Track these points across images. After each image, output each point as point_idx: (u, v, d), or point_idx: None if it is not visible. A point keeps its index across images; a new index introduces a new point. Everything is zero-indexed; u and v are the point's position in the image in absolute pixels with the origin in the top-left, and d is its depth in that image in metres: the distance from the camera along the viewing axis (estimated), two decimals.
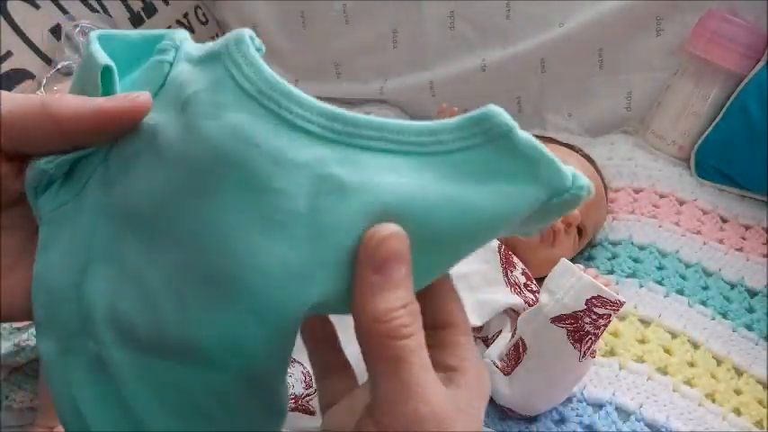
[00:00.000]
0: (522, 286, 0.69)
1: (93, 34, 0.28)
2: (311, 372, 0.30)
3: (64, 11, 0.93)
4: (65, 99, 0.26)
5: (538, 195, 0.24)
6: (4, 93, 0.26)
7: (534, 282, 0.71)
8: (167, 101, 0.26)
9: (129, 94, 0.26)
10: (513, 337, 0.63)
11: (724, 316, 0.75)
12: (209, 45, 0.27)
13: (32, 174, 0.27)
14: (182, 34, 0.28)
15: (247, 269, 0.23)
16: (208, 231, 0.24)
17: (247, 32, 0.26)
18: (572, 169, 0.24)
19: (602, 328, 0.59)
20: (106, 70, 0.27)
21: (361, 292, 0.23)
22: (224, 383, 0.25)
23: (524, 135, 0.24)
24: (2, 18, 0.86)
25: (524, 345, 0.61)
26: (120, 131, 0.26)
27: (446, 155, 0.24)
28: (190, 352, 0.25)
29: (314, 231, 0.23)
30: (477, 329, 0.66)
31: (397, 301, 0.23)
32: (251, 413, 0.27)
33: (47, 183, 0.27)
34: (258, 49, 0.26)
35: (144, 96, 0.26)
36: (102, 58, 0.27)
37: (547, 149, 0.24)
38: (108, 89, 0.27)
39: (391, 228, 0.23)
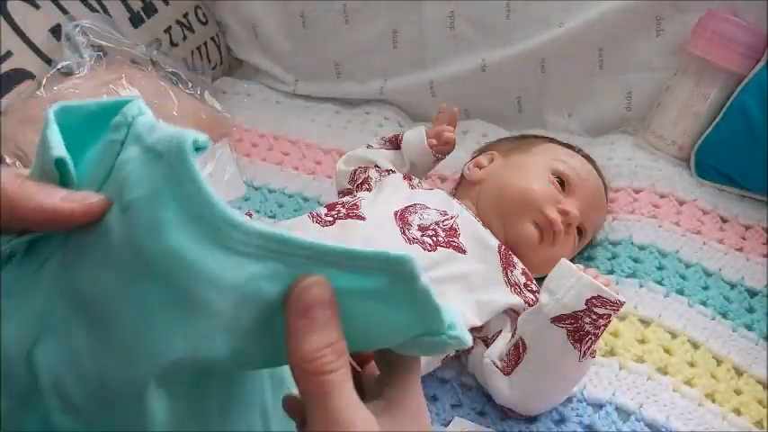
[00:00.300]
0: (522, 286, 0.69)
1: (51, 112, 0.29)
2: None
3: (64, 11, 0.93)
4: (26, 189, 0.27)
5: (416, 329, 0.28)
6: None
7: (534, 282, 0.71)
8: (114, 191, 0.28)
9: (85, 198, 0.28)
10: (513, 337, 0.63)
11: (724, 316, 0.75)
12: (157, 134, 0.28)
13: None
14: (135, 108, 0.30)
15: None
16: (137, 339, 0.27)
17: (189, 139, 0.27)
18: (453, 316, 0.28)
19: (602, 328, 0.59)
20: (60, 160, 0.28)
21: (289, 337, 0.26)
22: None
23: (424, 284, 0.27)
24: (2, 18, 0.86)
25: (524, 345, 0.61)
26: (73, 227, 0.28)
27: (359, 276, 0.27)
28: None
29: (235, 335, 0.27)
30: (477, 329, 0.66)
31: (322, 342, 0.26)
32: None
33: (7, 256, 0.29)
34: (201, 148, 0.27)
35: (99, 202, 0.28)
36: (56, 148, 0.28)
37: (436, 299, 0.27)
38: (65, 178, 0.29)
39: (313, 278, 0.26)
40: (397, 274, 0.27)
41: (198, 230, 0.26)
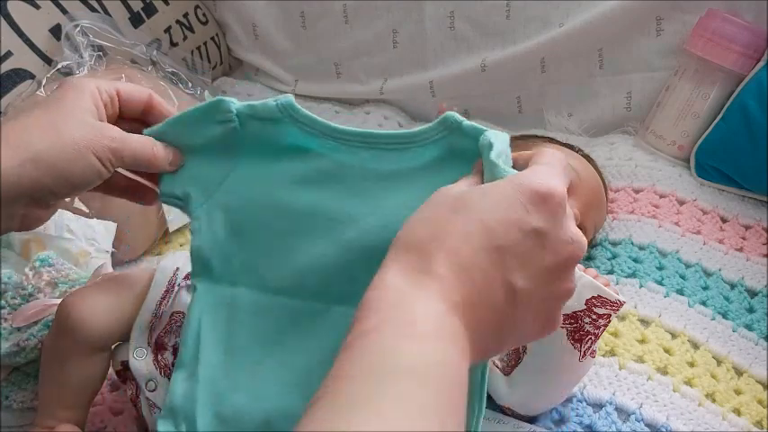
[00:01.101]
0: None
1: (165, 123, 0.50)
2: None
3: (64, 11, 0.93)
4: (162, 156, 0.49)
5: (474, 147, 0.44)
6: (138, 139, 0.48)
7: None
8: (260, 149, 0.49)
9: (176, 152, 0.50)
10: None
11: (724, 316, 0.75)
12: (267, 109, 0.49)
13: (170, 201, 0.51)
14: (229, 102, 0.49)
15: (331, 221, 0.47)
16: (313, 207, 0.48)
17: (287, 98, 0.49)
18: (492, 133, 0.43)
19: (602, 328, 0.59)
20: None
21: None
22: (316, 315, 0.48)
23: (468, 123, 0.45)
24: (2, 18, 0.86)
25: (524, 345, 0.61)
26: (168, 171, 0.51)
27: (433, 142, 0.46)
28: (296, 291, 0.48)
29: (362, 192, 0.47)
30: None
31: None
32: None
33: (183, 200, 0.50)
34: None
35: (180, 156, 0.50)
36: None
37: (478, 125, 0.45)
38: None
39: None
40: (450, 127, 0.45)
41: (327, 140, 0.48)
